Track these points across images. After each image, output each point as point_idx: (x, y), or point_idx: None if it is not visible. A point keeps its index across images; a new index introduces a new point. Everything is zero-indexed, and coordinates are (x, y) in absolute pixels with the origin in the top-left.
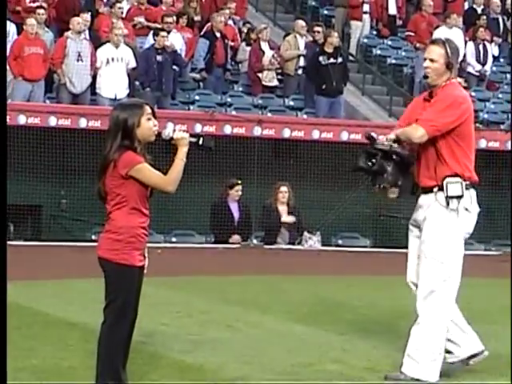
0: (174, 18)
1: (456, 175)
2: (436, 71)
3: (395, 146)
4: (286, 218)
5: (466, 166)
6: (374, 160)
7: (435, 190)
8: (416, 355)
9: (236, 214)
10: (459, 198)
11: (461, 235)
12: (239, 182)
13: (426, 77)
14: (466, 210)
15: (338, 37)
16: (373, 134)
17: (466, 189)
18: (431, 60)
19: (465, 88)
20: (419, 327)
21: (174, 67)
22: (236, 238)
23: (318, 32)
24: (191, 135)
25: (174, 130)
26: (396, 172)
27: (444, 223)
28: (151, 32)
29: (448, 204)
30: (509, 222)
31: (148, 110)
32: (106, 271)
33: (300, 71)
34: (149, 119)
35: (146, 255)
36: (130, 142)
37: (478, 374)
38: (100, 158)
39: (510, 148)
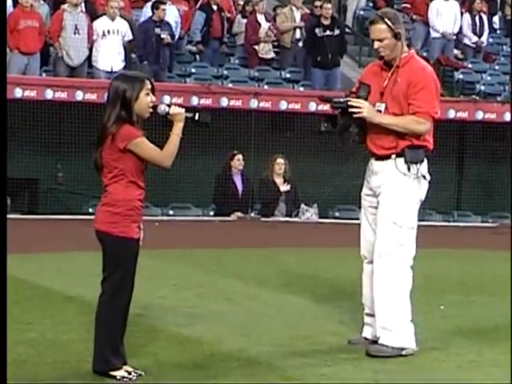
0: None
1: (417, 145)
2: (388, 47)
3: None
4: (284, 187)
5: (426, 139)
6: (334, 122)
7: (393, 156)
8: (388, 324)
9: (240, 187)
10: (419, 163)
11: (418, 201)
12: (235, 151)
13: (381, 57)
14: (424, 177)
15: (333, 8)
16: (328, 96)
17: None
18: (379, 40)
19: (461, 60)
20: (382, 295)
21: (170, 41)
22: (237, 214)
23: (317, 6)
24: (187, 110)
25: (170, 106)
26: (359, 124)
27: (404, 188)
28: (149, 4)
29: (409, 169)
30: (505, 194)
31: (148, 85)
32: (105, 244)
33: (298, 44)
34: (147, 94)
35: (142, 227)
36: (128, 115)
37: (475, 346)
38: (98, 126)
39: (506, 120)
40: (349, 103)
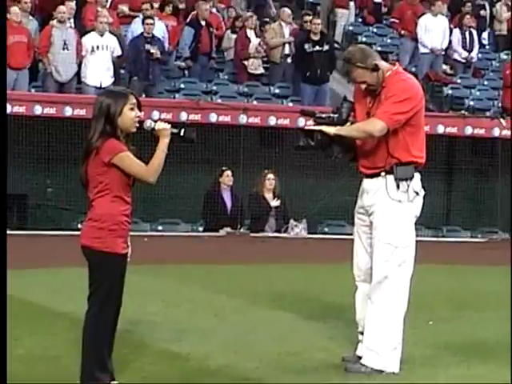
0: (156, 5)
1: (407, 162)
2: (374, 82)
3: (334, 116)
4: (274, 203)
5: (416, 155)
6: (312, 136)
7: (383, 174)
8: (375, 346)
9: (228, 203)
10: (409, 180)
11: (412, 218)
12: (224, 168)
13: (373, 91)
14: (416, 192)
15: (322, 23)
16: (309, 110)
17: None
18: (361, 82)
19: (450, 75)
20: (375, 316)
21: (159, 56)
22: (227, 229)
23: (306, 22)
24: (173, 126)
25: (156, 121)
26: (342, 140)
27: (396, 207)
28: (137, 20)
29: (398, 186)
30: (495, 209)
31: (132, 99)
32: (90, 259)
33: (287, 59)
34: (131, 109)
35: (129, 243)
36: (112, 130)
37: (463, 361)
38: (84, 142)
39: (495, 135)
40: (330, 120)
